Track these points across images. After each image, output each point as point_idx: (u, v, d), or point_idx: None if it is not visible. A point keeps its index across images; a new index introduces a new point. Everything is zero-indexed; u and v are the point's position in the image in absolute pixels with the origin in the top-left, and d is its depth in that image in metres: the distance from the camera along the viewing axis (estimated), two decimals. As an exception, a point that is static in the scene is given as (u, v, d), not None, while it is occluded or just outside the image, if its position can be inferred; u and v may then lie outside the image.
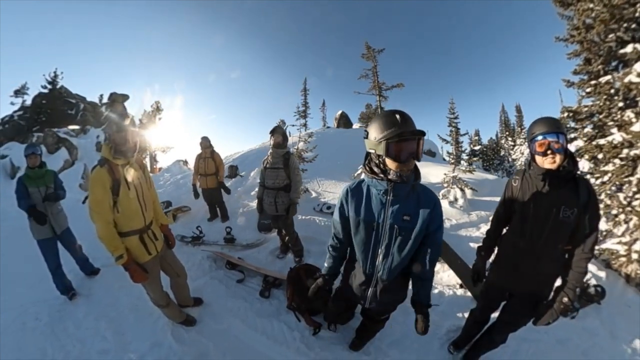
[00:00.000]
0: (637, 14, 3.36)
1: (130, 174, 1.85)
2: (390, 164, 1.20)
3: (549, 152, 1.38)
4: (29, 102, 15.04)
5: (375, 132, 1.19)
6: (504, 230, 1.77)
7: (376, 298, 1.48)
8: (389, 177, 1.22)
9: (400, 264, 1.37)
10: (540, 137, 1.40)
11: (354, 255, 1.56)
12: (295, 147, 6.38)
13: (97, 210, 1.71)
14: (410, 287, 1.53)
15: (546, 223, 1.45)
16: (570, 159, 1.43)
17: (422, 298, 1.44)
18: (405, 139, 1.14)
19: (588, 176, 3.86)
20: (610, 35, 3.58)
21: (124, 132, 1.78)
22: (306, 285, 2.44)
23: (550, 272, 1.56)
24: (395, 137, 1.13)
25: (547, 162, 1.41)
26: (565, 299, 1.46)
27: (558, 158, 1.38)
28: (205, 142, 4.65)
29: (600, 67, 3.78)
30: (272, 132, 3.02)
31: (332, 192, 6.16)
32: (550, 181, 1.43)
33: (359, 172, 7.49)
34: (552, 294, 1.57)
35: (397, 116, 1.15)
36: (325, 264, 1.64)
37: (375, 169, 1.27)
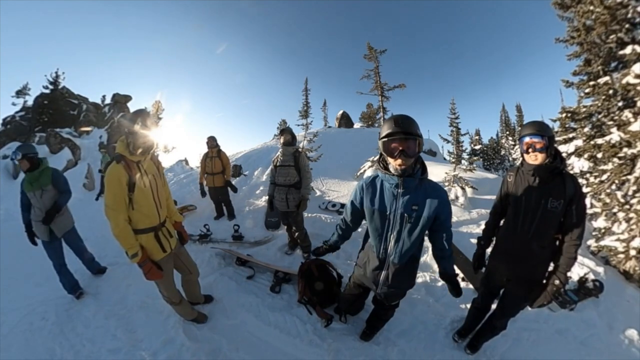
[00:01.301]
0: (630, 15, 3.44)
1: (146, 171, 1.84)
2: (388, 159, 1.41)
3: (529, 150, 1.60)
4: (30, 102, 15.07)
5: (380, 133, 1.41)
6: (502, 222, 1.93)
7: (387, 282, 1.64)
8: (390, 170, 1.43)
9: (410, 248, 1.53)
10: (526, 138, 1.61)
11: (367, 242, 1.74)
12: (300, 147, 6.45)
13: (113, 207, 1.70)
14: (416, 279, 1.68)
15: (536, 213, 1.63)
16: (558, 157, 1.61)
17: (448, 270, 1.65)
18: (397, 138, 1.33)
19: (587, 175, 3.95)
20: (612, 37, 3.66)
21: (141, 129, 1.76)
22: (317, 280, 2.53)
23: (543, 258, 1.70)
24: (386, 137, 1.35)
25: (530, 159, 1.62)
26: (557, 282, 1.62)
27: (539, 156, 1.58)
28: (212, 142, 4.73)
29: (599, 68, 3.85)
30: (282, 132, 3.17)
31: (336, 190, 6.23)
32: (539, 175, 1.61)
33: (361, 171, 7.57)
34: (545, 278, 1.71)
35: (393, 120, 1.35)
36: (331, 238, 1.91)
37: (385, 164, 1.48)
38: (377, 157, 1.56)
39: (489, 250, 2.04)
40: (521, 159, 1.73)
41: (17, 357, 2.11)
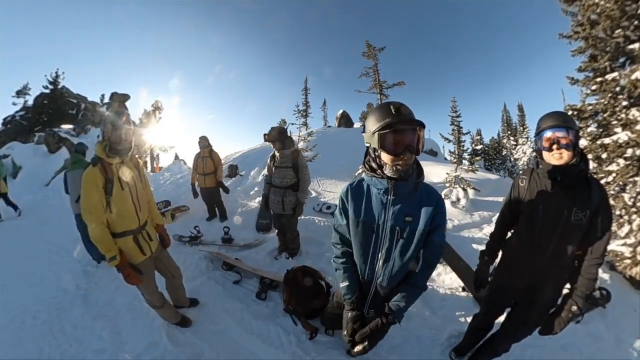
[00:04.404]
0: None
1: (125, 174, 1.82)
2: (385, 157, 1.11)
3: (554, 147, 1.29)
4: (31, 102, 15.14)
5: (370, 125, 1.11)
6: (510, 234, 1.69)
7: (375, 307, 1.39)
8: (385, 172, 1.14)
9: (402, 270, 1.26)
10: (548, 132, 1.31)
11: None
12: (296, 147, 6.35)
13: (90, 211, 1.69)
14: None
15: (557, 226, 1.35)
16: (582, 157, 1.34)
17: (394, 303, 1.28)
18: (400, 129, 1.06)
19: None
20: (618, 31, 3.50)
21: (120, 131, 1.76)
22: (304, 287, 2.40)
23: (559, 278, 1.47)
24: (388, 128, 1.05)
25: (553, 159, 1.31)
26: (575, 308, 1.38)
27: (565, 155, 1.28)
28: (204, 142, 4.64)
29: (607, 64, 3.69)
30: (280, 135, 2.95)
31: (333, 192, 6.11)
32: (561, 180, 1.33)
33: (359, 171, 7.44)
34: (559, 301, 1.49)
35: (392, 107, 1.06)
36: (342, 283, 1.39)
37: (374, 165, 1.18)
38: (364, 157, 1.27)
39: (493, 265, 1.79)
40: (536, 159, 1.44)
41: (8, 356, 2.14)
